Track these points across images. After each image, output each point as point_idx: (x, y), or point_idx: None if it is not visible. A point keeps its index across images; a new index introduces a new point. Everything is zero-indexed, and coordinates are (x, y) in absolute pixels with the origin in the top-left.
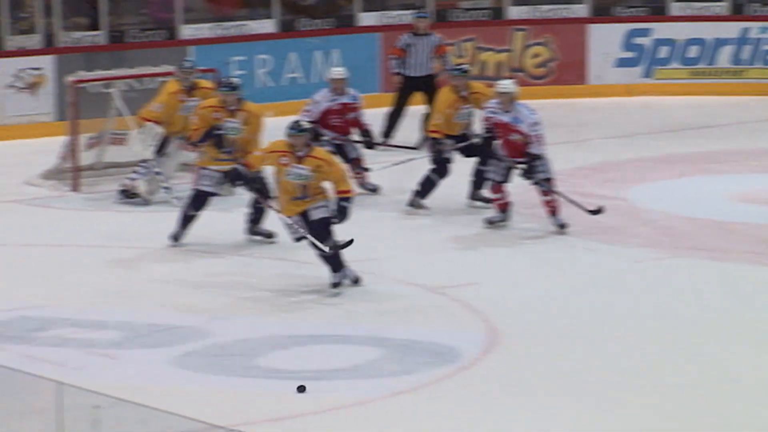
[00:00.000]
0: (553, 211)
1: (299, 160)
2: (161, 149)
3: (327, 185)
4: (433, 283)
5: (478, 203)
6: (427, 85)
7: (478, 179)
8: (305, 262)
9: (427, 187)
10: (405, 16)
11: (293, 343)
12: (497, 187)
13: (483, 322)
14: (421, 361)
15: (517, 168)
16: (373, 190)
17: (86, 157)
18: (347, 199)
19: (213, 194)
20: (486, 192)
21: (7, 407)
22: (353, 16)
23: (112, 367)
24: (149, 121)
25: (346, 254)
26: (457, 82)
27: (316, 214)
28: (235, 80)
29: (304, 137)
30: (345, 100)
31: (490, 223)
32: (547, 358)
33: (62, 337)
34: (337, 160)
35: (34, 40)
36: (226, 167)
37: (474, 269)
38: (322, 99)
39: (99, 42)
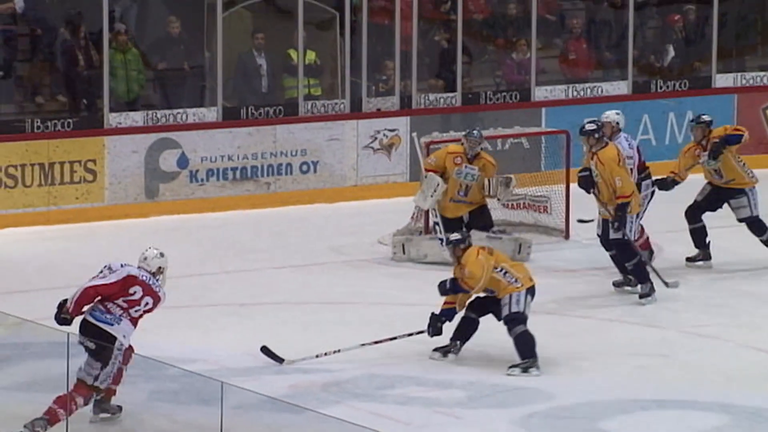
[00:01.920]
0: None
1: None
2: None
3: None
4: None
5: None
6: None
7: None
8: (654, 325)
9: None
10: (762, 78)
11: (638, 407)
12: None
13: None
14: None
15: None
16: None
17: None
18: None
19: None
20: None
21: None
22: (709, 78)
23: (456, 426)
24: (429, 171)
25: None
26: (695, 133)
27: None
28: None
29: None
30: None
31: None
32: None
33: (408, 396)
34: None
35: (391, 102)
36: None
37: None
38: None
39: (453, 104)
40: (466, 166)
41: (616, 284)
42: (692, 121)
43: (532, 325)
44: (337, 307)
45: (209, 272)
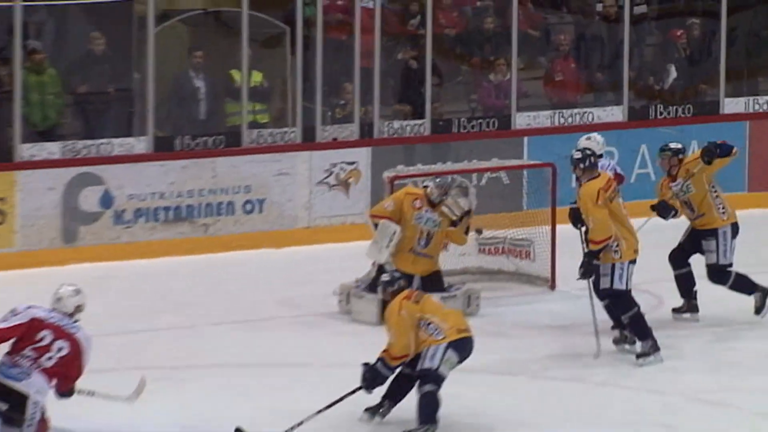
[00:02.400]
0: None
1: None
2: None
3: None
4: None
5: None
6: None
7: None
8: (653, 390)
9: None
10: None
11: None
12: None
13: None
14: None
15: None
16: None
17: None
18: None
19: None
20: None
21: None
22: (717, 103)
23: None
24: (378, 218)
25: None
26: (661, 163)
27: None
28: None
29: None
30: None
31: None
32: None
33: None
34: None
35: (349, 131)
36: None
37: None
38: None
39: (421, 132)
40: (427, 211)
41: (615, 341)
42: (660, 149)
43: (512, 388)
44: (287, 370)
45: (137, 329)
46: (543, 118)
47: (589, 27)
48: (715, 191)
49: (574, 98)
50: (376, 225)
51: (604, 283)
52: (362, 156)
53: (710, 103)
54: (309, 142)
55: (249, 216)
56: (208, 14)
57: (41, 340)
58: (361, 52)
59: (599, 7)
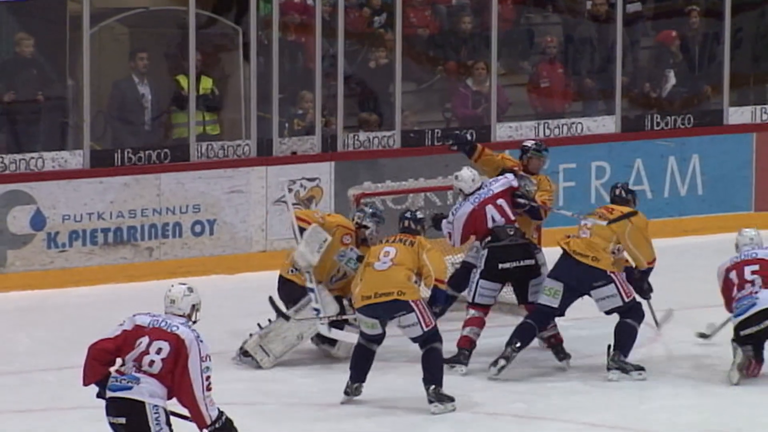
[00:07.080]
0: None
1: None
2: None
3: None
4: None
5: None
6: None
7: None
8: None
9: None
10: None
11: None
12: None
13: None
14: None
15: None
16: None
17: None
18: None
19: None
20: None
21: None
22: (721, 112)
23: None
24: (306, 222)
25: None
26: (539, 162)
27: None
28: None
29: None
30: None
31: None
32: None
33: None
34: None
35: (310, 143)
36: None
37: None
38: None
39: (390, 145)
40: (352, 249)
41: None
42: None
43: None
44: (239, 408)
45: (74, 365)
46: (526, 130)
47: (578, 28)
48: None
49: (561, 107)
50: (302, 229)
51: None
52: (324, 171)
53: (713, 112)
54: (265, 156)
55: (198, 239)
56: (150, 13)
57: (140, 345)
58: (323, 56)
59: (588, 5)
